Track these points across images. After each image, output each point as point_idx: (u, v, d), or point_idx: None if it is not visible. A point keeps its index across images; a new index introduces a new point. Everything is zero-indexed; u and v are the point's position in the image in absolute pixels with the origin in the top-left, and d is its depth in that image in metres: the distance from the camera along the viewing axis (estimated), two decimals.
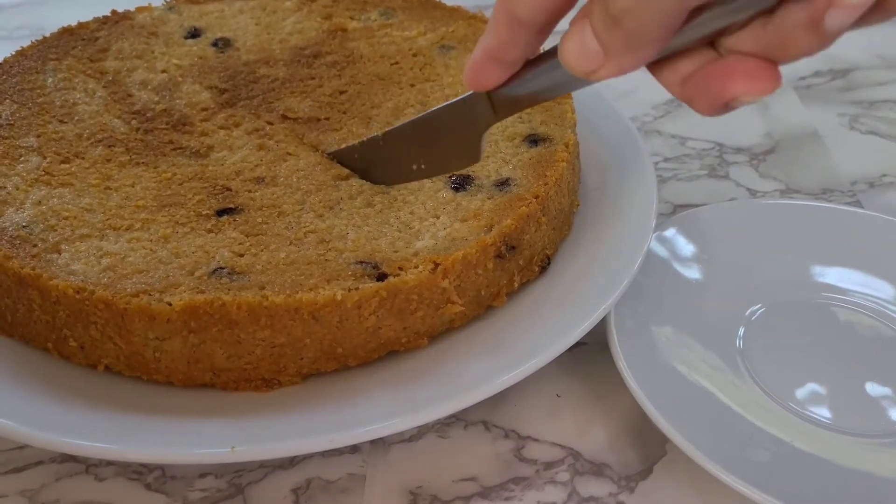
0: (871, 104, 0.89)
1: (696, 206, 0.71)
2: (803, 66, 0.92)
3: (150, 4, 0.79)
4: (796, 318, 0.60)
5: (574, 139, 0.63)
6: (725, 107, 0.35)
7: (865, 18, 0.33)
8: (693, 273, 0.63)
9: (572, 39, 0.36)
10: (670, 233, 0.65)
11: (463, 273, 0.53)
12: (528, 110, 0.65)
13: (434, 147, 0.55)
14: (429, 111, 0.55)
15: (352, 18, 0.77)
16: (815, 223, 0.67)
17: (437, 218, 0.57)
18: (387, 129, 0.58)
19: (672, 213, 0.74)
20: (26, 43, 0.72)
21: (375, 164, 0.59)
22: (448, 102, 0.52)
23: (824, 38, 0.32)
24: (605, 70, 0.36)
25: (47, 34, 0.73)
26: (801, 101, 0.89)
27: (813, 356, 0.58)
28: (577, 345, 0.54)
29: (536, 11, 0.37)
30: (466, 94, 0.49)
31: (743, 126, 0.85)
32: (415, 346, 0.54)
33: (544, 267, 0.59)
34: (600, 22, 0.34)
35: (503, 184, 0.59)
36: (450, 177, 0.60)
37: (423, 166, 0.56)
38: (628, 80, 0.96)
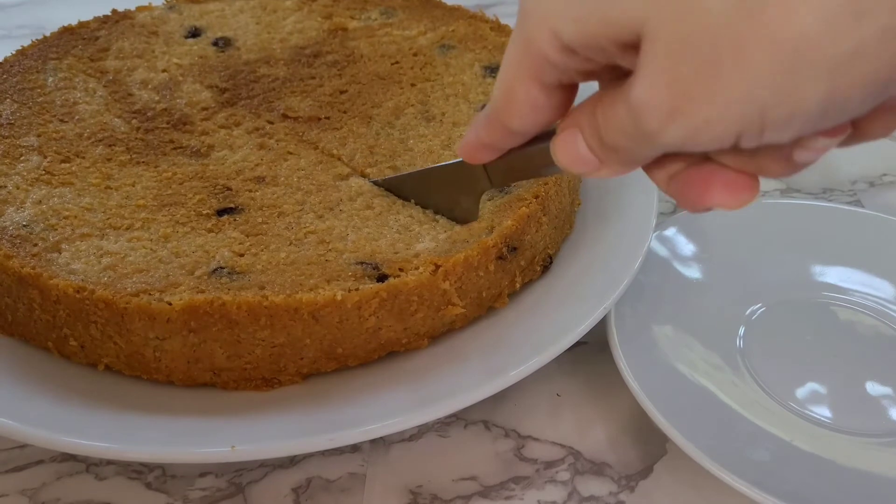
0: None
1: None
2: None
3: (150, 4, 0.79)
4: (797, 318, 0.60)
5: None
6: (706, 209, 0.36)
7: (844, 143, 0.34)
8: (693, 272, 0.63)
9: (565, 146, 0.37)
10: (671, 232, 0.65)
11: (464, 275, 0.53)
12: None
13: (431, 201, 0.58)
14: (427, 168, 0.58)
15: (352, 18, 0.77)
16: (816, 222, 0.67)
17: (437, 221, 0.57)
18: (386, 178, 0.59)
19: (672, 212, 0.74)
20: (27, 42, 0.72)
21: None
22: (446, 163, 0.55)
23: (796, 167, 0.34)
24: (600, 174, 0.37)
25: (48, 33, 0.73)
26: None
27: (813, 355, 0.58)
28: (578, 344, 0.53)
29: (528, 127, 0.39)
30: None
31: None
32: (415, 346, 0.54)
33: (546, 266, 0.59)
34: (594, 142, 0.35)
35: None
36: None
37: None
38: None
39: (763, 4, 0.27)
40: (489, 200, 0.57)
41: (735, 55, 0.28)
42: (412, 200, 0.58)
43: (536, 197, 0.57)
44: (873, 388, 0.56)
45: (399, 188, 0.59)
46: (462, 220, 0.56)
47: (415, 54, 0.72)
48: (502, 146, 0.42)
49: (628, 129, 0.33)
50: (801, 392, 0.55)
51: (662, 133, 0.31)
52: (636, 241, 0.59)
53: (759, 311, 0.61)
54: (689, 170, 0.35)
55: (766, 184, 0.78)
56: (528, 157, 0.43)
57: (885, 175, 0.80)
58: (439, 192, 0.56)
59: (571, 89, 0.37)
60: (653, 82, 0.30)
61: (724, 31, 0.28)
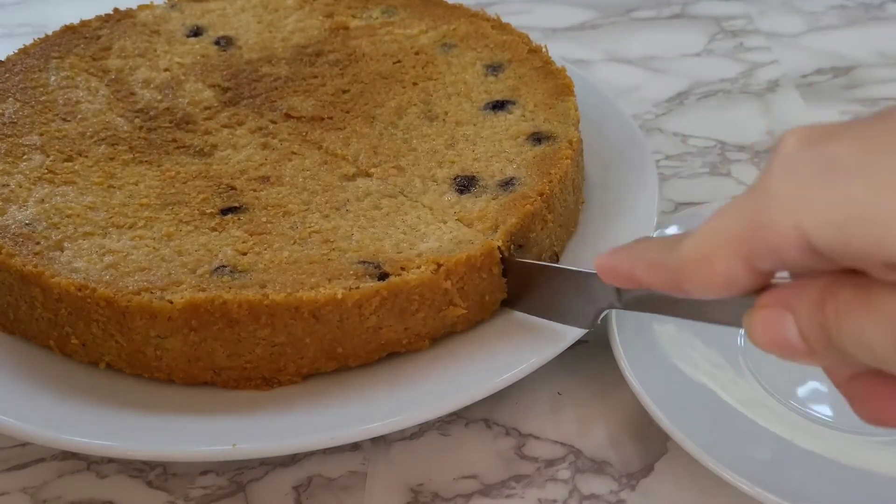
0: (874, 102, 0.89)
1: (698, 203, 0.71)
2: (805, 63, 0.92)
3: (152, 3, 0.79)
4: None
5: (578, 136, 0.63)
6: (881, 425, 0.32)
7: None
8: None
9: (770, 326, 0.31)
10: (672, 230, 0.65)
11: (466, 275, 0.53)
12: (532, 107, 0.65)
13: (544, 298, 0.54)
14: (554, 265, 0.55)
15: (353, 17, 0.77)
16: None
17: (445, 223, 0.56)
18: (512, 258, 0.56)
19: (674, 210, 0.74)
20: (28, 40, 0.72)
21: None
22: (578, 269, 0.52)
23: None
24: (801, 360, 0.31)
25: (49, 32, 0.74)
26: (802, 98, 0.89)
27: None
28: (579, 342, 0.54)
29: (706, 296, 0.33)
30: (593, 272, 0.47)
31: (744, 124, 0.85)
32: (416, 347, 0.54)
33: None
34: (815, 335, 0.30)
35: (507, 183, 0.59)
36: (454, 178, 0.60)
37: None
38: (630, 78, 0.96)
39: None
40: (493, 200, 0.57)
41: None
42: (519, 292, 0.55)
43: (541, 195, 0.57)
44: None
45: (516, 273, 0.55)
46: (573, 324, 0.53)
47: (416, 53, 0.72)
48: (657, 290, 0.36)
49: (878, 350, 0.28)
50: (802, 390, 0.55)
51: None
52: None
53: None
54: (879, 379, 0.31)
55: None
56: (678, 302, 0.39)
57: None
58: (556, 290, 0.53)
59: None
60: None
61: None
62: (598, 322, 0.52)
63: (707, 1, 1.06)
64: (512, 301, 0.56)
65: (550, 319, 0.54)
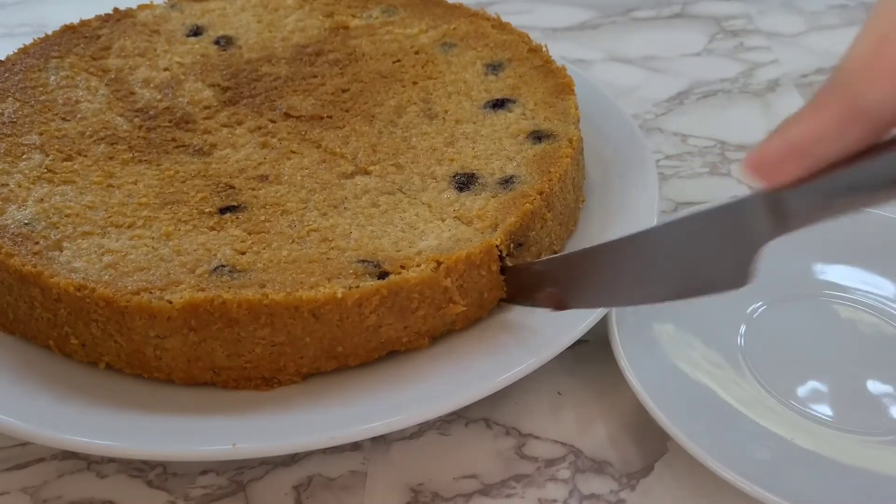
0: None
1: (698, 203, 0.71)
2: (805, 63, 0.92)
3: (152, 2, 0.79)
4: (798, 316, 0.60)
5: (578, 135, 0.63)
6: None
7: None
8: None
9: None
10: None
11: (466, 273, 0.53)
12: (532, 106, 0.65)
13: (676, 264, 0.45)
14: (676, 217, 0.45)
15: (353, 16, 0.77)
16: None
17: (443, 221, 0.56)
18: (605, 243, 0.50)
19: (674, 210, 0.74)
20: (28, 40, 0.72)
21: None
22: (704, 208, 0.42)
23: None
24: None
25: (49, 31, 0.74)
26: (802, 98, 0.89)
27: (814, 354, 0.58)
28: (579, 342, 0.53)
29: (893, 103, 0.28)
30: (731, 201, 0.40)
31: (744, 124, 0.85)
32: (416, 346, 0.54)
33: None
34: None
35: (507, 181, 0.59)
36: (454, 175, 0.60)
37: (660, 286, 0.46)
38: (630, 78, 0.96)
39: None
40: (493, 198, 0.57)
41: None
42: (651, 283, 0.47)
43: (541, 193, 0.57)
44: (874, 386, 0.56)
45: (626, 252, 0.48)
46: (726, 286, 0.43)
47: (416, 52, 0.72)
48: (829, 148, 0.31)
49: None
50: (802, 390, 0.55)
51: None
52: None
53: (760, 310, 0.61)
54: None
55: None
56: (855, 186, 0.32)
57: None
58: (690, 248, 0.44)
59: None
60: None
61: None
62: (754, 270, 0.41)
63: (707, 1, 1.06)
64: (564, 298, 0.51)
65: (690, 296, 0.45)
